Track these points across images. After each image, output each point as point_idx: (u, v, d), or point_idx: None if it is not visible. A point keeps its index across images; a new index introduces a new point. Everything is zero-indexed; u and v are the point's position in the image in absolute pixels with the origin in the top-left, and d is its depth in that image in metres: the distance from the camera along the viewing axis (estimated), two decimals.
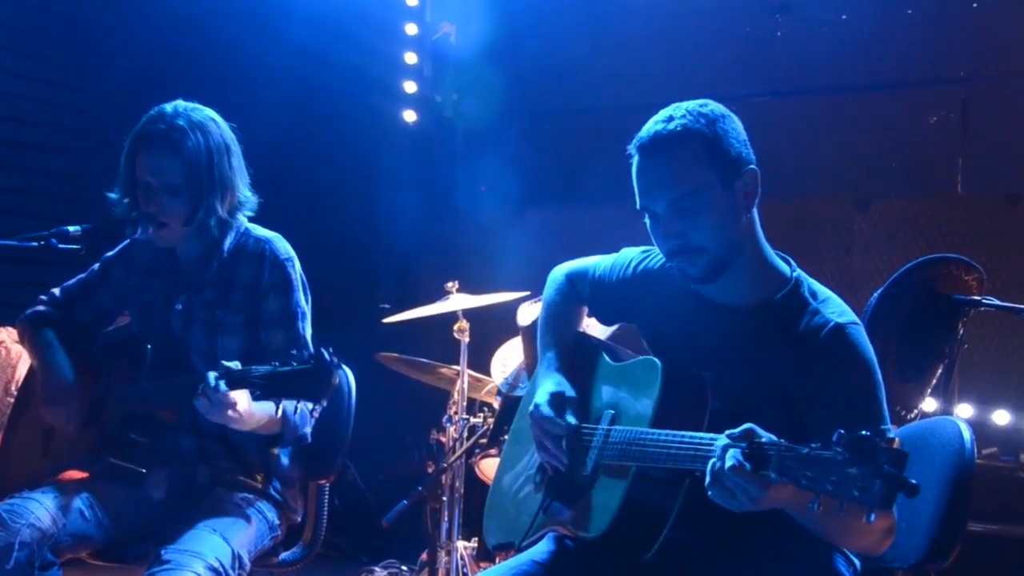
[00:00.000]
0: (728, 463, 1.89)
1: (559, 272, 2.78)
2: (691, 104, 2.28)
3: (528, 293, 4.15)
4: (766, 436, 1.91)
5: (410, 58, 6.31)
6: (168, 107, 2.92)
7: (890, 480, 1.68)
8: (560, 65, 6.07)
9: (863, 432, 1.72)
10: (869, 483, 1.69)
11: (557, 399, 2.48)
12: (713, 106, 2.29)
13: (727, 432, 1.95)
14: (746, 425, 1.93)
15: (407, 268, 6.38)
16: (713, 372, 2.29)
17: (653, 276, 2.51)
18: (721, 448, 1.93)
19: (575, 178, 6.00)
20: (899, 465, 1.69)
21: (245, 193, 3.01)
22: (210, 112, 2.97)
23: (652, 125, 2.28)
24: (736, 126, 2.29)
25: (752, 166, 2.28)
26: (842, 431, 1.75)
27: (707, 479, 1.95)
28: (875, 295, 3.37)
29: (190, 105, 2.94)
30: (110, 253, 3.19)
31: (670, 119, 2.26)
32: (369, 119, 6.35)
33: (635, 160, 2.31)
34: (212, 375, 2.58)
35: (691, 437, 2.09)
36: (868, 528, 1.91)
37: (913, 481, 1.68)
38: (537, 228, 5.94)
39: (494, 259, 5.59)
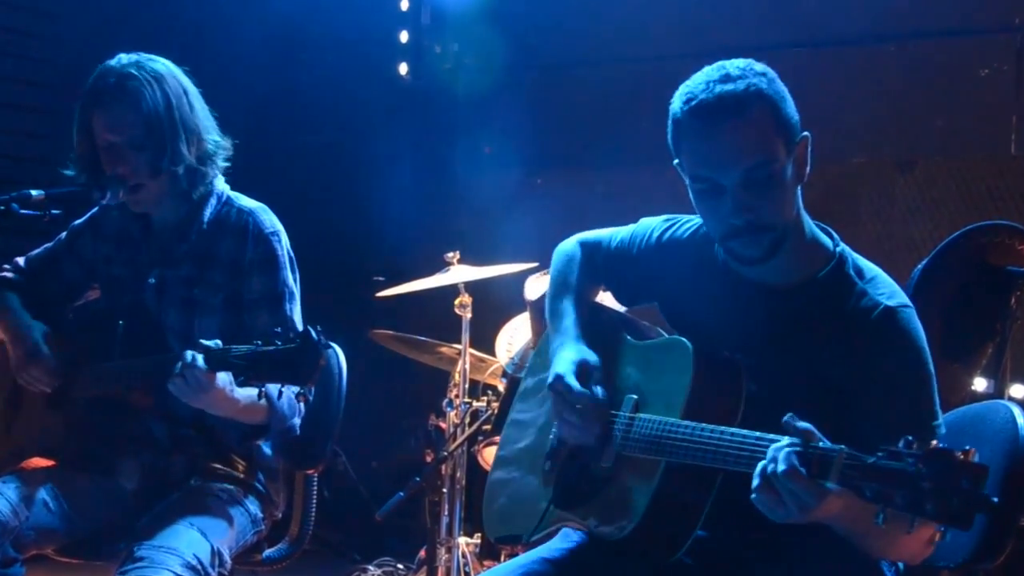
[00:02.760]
0: (781, 467, 1.87)
1: (569, 243, 2.72)
2: (739, 62, 2.21)
3: (536, 265, 4.14)
4: (824, 440, 1.88)
5: (404, 4, 6.27)
6: (113, 61, 2.93)
7: (969, 498, 1.65)
8: (569, 13, 6.03)
9: (938, 444, 1.69)
10: (945, 500, 1.66)
11: (582, 368, 2.42)
12: (760, 64, 2.23)
13: (784, 436, 1.92)
14: (804, 425, 1.90)
15: (403, 237, 6.36)
16: (746, 356, 2.25)
17: (680, 247, 2.47)
18: (774, 450, 1.90)
19: (586, 138, 5.96)
20: (978, 482, 1.66)
21: (214, 138, 3.00)
22: (159, 59, 2.97)
23: (711, 85, 2.17)
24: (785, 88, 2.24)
25: (806, 132, 2.24)
26: (910, 437, 1.73)
27: (755, 482, 1.92)
28: (919, 267, 3.35)
29: (136, 56, 2.94)
30: (78, 221, 3.18)
31: (729, 78, 2.17)
32: (362, 72, 6.32)
33: (691, 124, 2.20)
34: (189, 354, 2.57)
35: (734, 434, 2.06)
36: (917, 540, 1.90)
37: (995, 499, 1.66)
38: (545, 193, 5.92)
39: (498, 227, 5.56)
